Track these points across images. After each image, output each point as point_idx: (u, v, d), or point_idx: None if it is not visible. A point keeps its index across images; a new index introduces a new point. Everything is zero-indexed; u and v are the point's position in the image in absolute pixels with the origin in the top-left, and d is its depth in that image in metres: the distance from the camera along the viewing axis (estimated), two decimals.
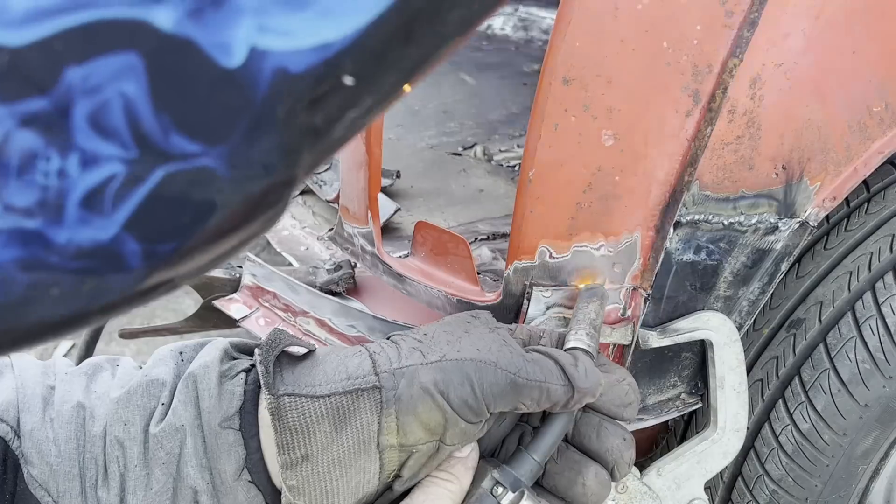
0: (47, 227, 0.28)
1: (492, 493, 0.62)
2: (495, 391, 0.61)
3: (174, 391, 0.63)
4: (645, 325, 0.82)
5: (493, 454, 0.68)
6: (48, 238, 0.28)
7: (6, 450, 0.60)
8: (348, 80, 0.30)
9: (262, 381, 0.61)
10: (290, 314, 0.95)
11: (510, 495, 0.61)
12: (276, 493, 0.63)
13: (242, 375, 0.64)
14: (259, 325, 0.94)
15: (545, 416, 0.66)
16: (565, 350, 0.66)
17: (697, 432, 0.87)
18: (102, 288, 0.30)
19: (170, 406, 0.63)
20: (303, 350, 0.64)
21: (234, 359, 0.66)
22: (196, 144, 0.28)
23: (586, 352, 0.65)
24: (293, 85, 0.29)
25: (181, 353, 0.67)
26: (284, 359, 0.64)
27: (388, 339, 0.67)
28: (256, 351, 0.63)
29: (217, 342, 0.67)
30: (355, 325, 0.91)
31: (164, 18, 0.26)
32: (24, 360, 0.66)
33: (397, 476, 0.63)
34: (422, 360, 0.62)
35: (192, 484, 0.61)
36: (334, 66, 0.29)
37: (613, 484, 0.67)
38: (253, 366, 0.65)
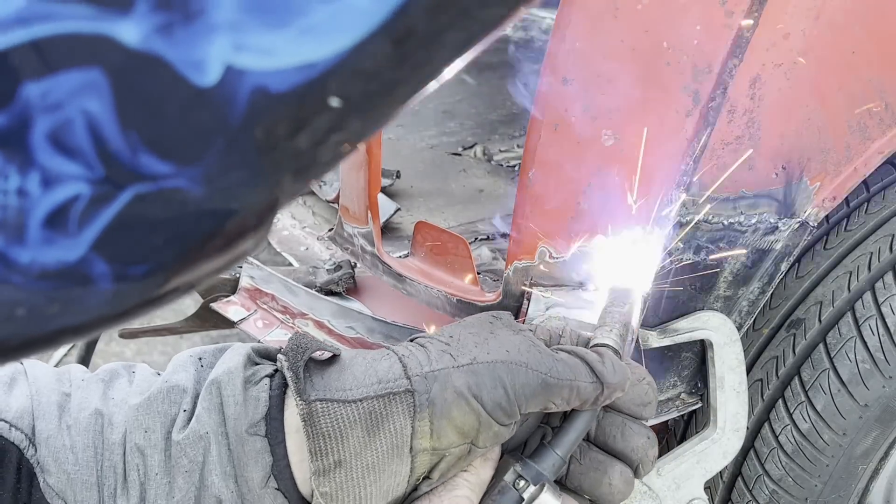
0: (8, 246, 0.26)
1: (514, 486, 0.62)
2: (527, 392, 0.61)
3: (196, 397, 0.62)
4: (645, 325, 0.82)
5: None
6: (10, 258, 0.27)
7: (21, 458, 0.59)
8: (334, 102, 0.28)
9: (292, 388, 0.60)
10: (288, 316, 0.95)
11: (531, 488, 0.62)
12: (303, 500, 0.62)
13: (266, 381, 0.63)
14: (257, 328, 0.94)
15: (566, 415, 0.66)
16: (591, 346, 0.66)
17: (697, 432, 0.87)
18: (72, 309, 0.28)
19: (192, 413, 0.62)
20: (328, 354, 0.64)
21: (257, 364, 0.65)
22: (167, 165, 0.27)
23: (614, 349, 0.66)
24: (274, 106, 0.27)
25: (200, 358, 0.66)
26: (310, 363, 0.63)
27: (411, 341, 0.66)
28: (281, 357, 0.62)
29: (238, 347, 0.66)
30: (354, 326, 0.91)
31: (130, 34, 0.25)
32: (38, 367, 0.65)
33: (426, 477, 0.63)
34: (453, 363, 0.62)
35: (216, 493, 0.60)
36: (319, 87, 0.27)
37: None
38: (276, 370, 0.64)
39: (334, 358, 0.64)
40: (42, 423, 0.60)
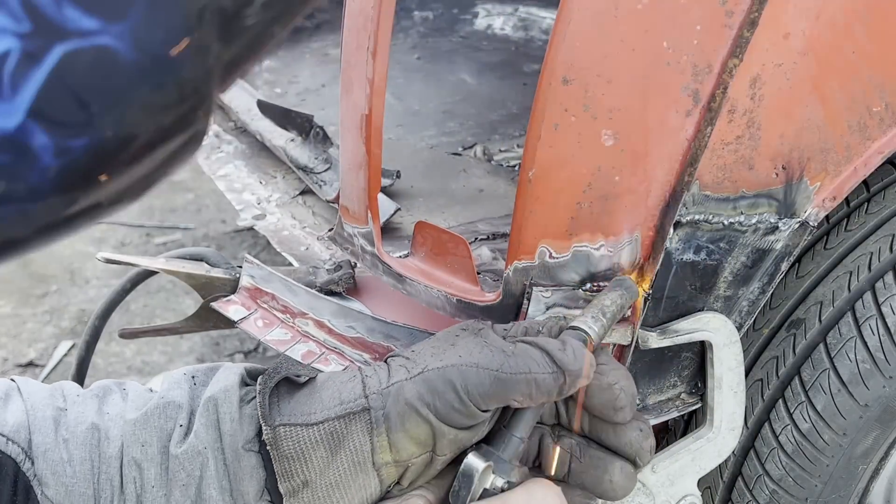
0: None
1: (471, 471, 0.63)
2: (481, 391, 0.61)
3: (191, 413, 0.65)
4: (645, 326, 0.82)
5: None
6: None
7: (17, 471, 0.61)
8: None
9: (259, 413, 0.63)
10: (288, 315, 0.95)
11: (482, 465, 0.62)
12: None
13: (258, 400, 0.66)
14: (257, 327, 0.94)
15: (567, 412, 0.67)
16: (566, 331, 0.66)
17: (693, 430, 0.87)
18: (17, 189, 0.28)
19: (188, 428, 0.64)
20: (304, 378, 0.66)
21: (248, 384, 0.68)
22: (93, 19, 0.26)
23: (584, 332, 0.65)
24: None
25: (193, 377, 0.69)
26: (285, 387, 0.66)
27: (385, 361, 0.68)
28: (259, 379, 0.65)
29: (229, 367, 0.69)
30: (354, 326, 0.91)
31: None
32: (31, 384, 0.67)
33: (396, 483, 0.65)
34: (406, 375, 0.64)
35: None
36: None
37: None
38: None
39: (311, 381, 0.66)
40: (39, 436, 0.62)
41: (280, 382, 0.66)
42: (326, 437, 0.62)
